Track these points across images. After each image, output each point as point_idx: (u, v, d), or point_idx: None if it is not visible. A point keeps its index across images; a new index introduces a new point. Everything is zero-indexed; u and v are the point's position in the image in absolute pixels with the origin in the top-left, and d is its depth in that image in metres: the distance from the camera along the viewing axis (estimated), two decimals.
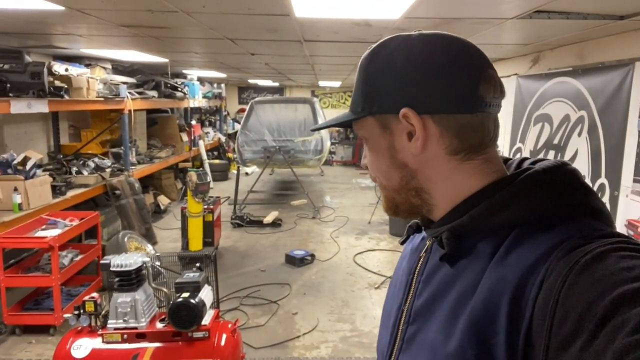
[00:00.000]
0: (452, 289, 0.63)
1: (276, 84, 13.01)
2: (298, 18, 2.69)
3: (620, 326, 0.43)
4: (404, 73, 0.64)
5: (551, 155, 3.89)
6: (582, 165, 3.38)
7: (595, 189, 3.25)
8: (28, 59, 4.18)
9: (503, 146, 4.96)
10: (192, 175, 4.67)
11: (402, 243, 0.82)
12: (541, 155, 4.07)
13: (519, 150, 4.58)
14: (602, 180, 3.18)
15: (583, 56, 3.59)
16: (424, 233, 0.77)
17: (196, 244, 5.03)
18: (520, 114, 4.51)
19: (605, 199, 3.11)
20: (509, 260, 0.57)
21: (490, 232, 0.61)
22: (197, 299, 2.35)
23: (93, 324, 2.51)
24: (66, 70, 4.92)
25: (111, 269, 2.43)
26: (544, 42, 3.76)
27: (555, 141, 3.84)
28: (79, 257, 4.07)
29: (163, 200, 7.48)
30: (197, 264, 2.60)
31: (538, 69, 4.32)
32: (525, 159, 0.71)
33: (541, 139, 4.10)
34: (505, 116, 4.92)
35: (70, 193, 4.76)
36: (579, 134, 3.47)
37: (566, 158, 3.66)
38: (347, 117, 0.71)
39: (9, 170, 4.04)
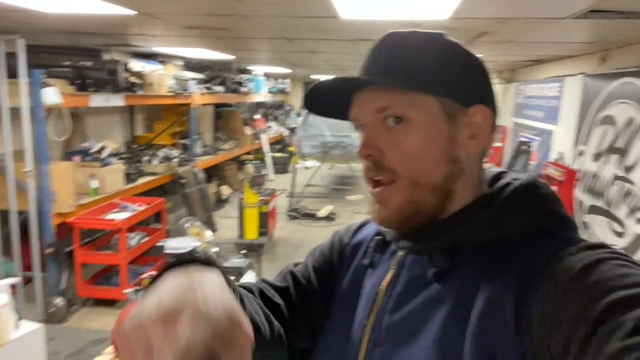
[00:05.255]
0: (442, 304, 0.59)
1: None
2: (344, 20, 2.78)
3: (613, 330, 0.43)
4: (482, 73, 0.66)
5: (614, 159, 3.70)
6: None
7: None
8: (105, 57, 4.59)
9: (565, 148, 4.75)
10: (249, 168, 4.91)
11: (370, 265, 0.73)
12: (604, 159, 3.87)
13: (581, 153, 4.37)
14: None
15: None
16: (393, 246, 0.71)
17: (251, 233, 5.28)
18: (585, 115, 4.30)
19: None
20: (506, 271, 0.56)
21: (481, 246, 0.61)
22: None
23: None
24: (142, 67, 5.34)
25: (165, 250, 2.68)
26: (611, 41, 3.57)
27: (619, 144, 3.63)
28: (145, 239, 4.45)
29: (225, 190, 7.87)
30: (243, 251, 2.79)
31: (605, 68, 4.10)
32: (502, 173, 0.69)
33: (605, 141, 3.89)
34: (569, 117, 4.71)
35: (141, 180, 5.17)
36: None
37: (629, 163, 3.47)
38: (404, 82, 0.61)
39: (88, 158, 4.48)
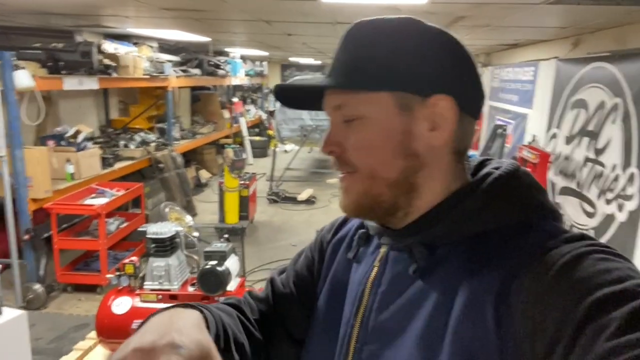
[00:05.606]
0: (425, 302, 0.59)
1: (318, 62, 13.05)
2: (325, 2, 2.78)
3: (599, 331, 0.43)
4: (446, 59, 0.61)
5: (585, 142, 3.82)
6: (615, 154, 3.32)
7: (625, 178, 3.20)
8: (79, 38, 4.47)
9: (539, 131, 4.87)
10: (229, 152, 4.89)
11: (354, 258, 0.72)
12: (576, 142, 4.00)
13: (554, 135, 4.50)
14: (633, 169, 3.12)
15: (623, 41, 3.47)
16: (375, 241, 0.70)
17: (232, 217, 5.28)
18: (558, 99, 4.42)
19: (635, 188, 3.07)
20: (488, 266, 0.55)
21: (462, 240, 0.59)
22: (223, 267, 2.56)
23: (132, 284, 2.78)
24: (115, 49, 5.21)
25: (147, 235, 2.67)
26: (583, 26, 3.66)
27: (590, 127, 3.76)
28: (125, 224, 4.42)
29: (204, 174, 7.82)
30: (225, 235, 2.81)
31: (578, 53, 4.20)
32: (486, 160, 0.68)
33: (576, 125, 4.02)
34: (543, 100, 4.82)
35: (118, 165, 5.11)
36: (613, 122, 3.39)
37: (599, 145, 3.59)
38: (351, 83, 0.61)
39: (63, 143, 4.39)
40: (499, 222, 0.58)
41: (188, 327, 0.52)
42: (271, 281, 0.83)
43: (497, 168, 0.62)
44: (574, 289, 0.47)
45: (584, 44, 4.14)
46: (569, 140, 4.17)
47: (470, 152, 0.68)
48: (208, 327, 0.58)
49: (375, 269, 0.66)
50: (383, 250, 0.67)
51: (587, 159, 3.78)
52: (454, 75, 0.61)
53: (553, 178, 4.37)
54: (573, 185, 3.99)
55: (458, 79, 0.61)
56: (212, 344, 0.52)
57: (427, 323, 0.57)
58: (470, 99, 0.63)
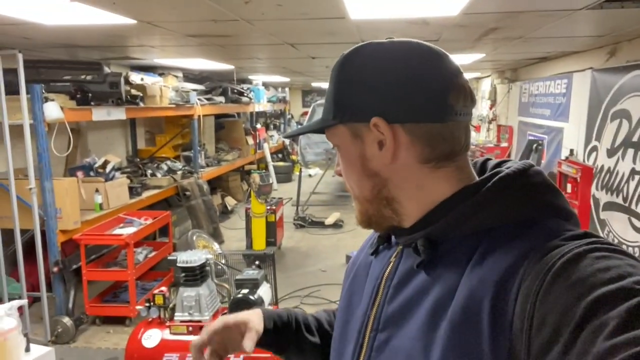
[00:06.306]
0: (428, 295, 0.61)
1: None
2: (353, 20, 2.71)
3: (598, 330, 0.42)
4: (374, 82, 0.64)
5: (630, 154, 3.61)
6: None
7: None
8: (107, 70, 4.53)
9: (577, 144, 4.66)
10: (255, 177, 4.83)
11: (373, 254, 0.78)
12: (619, 154, 3.79)
13: (594, 149, 4.28)
14: None
15: None
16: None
17: (259, 243, 5.18)
18: (596, 111, 4.22)
19: None
20: (487, 263, 0.57)
21: (465, 237, 0.61)
22: (255, 295, 2.44)
23: (162, 316, 2.67)
24: (141, 79, 5.28)
25: (177, 264, 2.58)
26: (621, 33, 3.50)
27: (635, 138, 3.55)
28: (153, 253, 4.35)
29: (230, 201, 7.78)
30: (257, 262, 2.70)
31: (615, 62, 4.03)
32: (488, 159, 0.71)
33: (619, 136, 3.81)
34: (579, 113, 4.63)
35: (145, 194, 5.09)
36: None
37: None
38: (318, 124, 0.71)
39: (91, 173, 4.40)
40: (502, 219, 0.60)
41: (234, 316, 0.84)
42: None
43: (507, 167, 0.64)
44: (572, 288, 0.47)
45: (621, 53, 3.97)
46: (610, 153, 3.96)
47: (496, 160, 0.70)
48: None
49: (391, 264, 0.71)
50: (399, 247, 0.72)
51: (634, 172, 3.56)
52: (380, 92, 0.64)
53: (595, 193, 4.14)
54: (619, 200, 3.76)
55: (386, 94, 0.64)
56: (251, 317, 0.84)
57: (427, 315, 0.60)
58: (407, 107, 0.63)
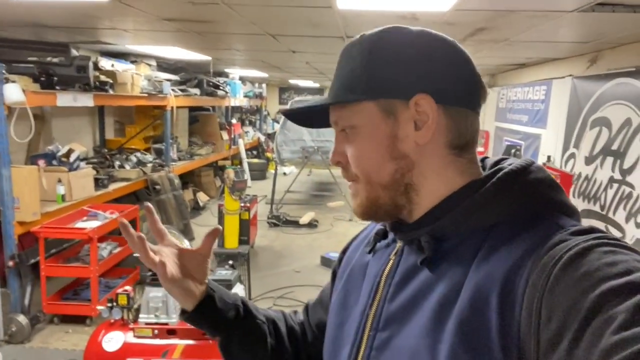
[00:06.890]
0: (432, 292, 0.60)
1: (317, 85, 12.98)
2: (340, 10, 2.59)
3: (605, 324, 0.42)
4: (421, 61, 0.63)
5: (609, 162, 3.62)
6: None
7: None
8: (75, 52, 4.27)
9: (555, 151, 4.68)
10: (230, 173, 4.65)
11: (370, 252, 0.75)
12: (598, 162, 3.80)
13: (572, 156, 4.30)
14: None
15: None
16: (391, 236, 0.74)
17: (232, 241, 4.99)
18: (575, 118, 4.24)
19: None
20: (493, 259, 0.56)
21: (470, 233, 0.61)
22: None
23: (125, 317, 2.49)
24: (112, 65, 5.02)
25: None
26: (605, 40, 3.50)
27: (614, 147, 3.56)
28: (118, 249, 4.13)
29: (202, 197, 7.56)
30: (230, 262, 2.54)
31: (596, 70, 4.04)
32: (503, 159, 0.69)
33: (598, 144, 3.82)
34: (558, 120, 4.65)
35: (113, 186, 4.85)
36: None
37: (626, 165, 3.39)
38: (336, 98, 0.66)
39: (54, 162, 4.14)
40: (507, 215, 0.59)
41: None
42: (305, 308, 0.95)
43: (510, 164, 0.64)
44: (580, 282, 0.47)
45: (602, 61, 3.99)
46: (589, 160, 3.97)
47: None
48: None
49: (391, 262, 0.69)
50: (399, 244, 0.70)
51: (612, 180, 3.57)
52: (429, 71, 0.63)
53: (572, 200, 4.15)
54: (596, 208, 3.77)
55: (435, 73, 0.63)
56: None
57: (433, 312, 0.59)
58: (451, 91, 0.63)
